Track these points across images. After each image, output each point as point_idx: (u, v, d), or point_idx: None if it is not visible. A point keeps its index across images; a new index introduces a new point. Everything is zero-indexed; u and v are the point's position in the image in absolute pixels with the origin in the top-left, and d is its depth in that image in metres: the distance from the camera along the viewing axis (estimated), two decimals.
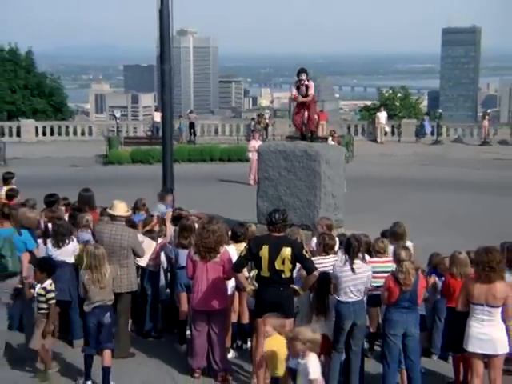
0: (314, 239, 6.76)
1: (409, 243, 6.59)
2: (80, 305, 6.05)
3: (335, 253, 6.16)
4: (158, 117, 21.80)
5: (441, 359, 6.24)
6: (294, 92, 10.16)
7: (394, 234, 6.60)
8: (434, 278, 6.25)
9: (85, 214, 7.08)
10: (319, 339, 4.39)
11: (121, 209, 6.22)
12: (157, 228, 7.20)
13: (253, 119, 26.26)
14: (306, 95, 9.96)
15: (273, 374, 4.81)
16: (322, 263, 5.76)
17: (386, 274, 5.75)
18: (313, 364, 4.27)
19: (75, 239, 6.51)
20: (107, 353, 5.49)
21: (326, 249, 6.03)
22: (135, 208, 8.10)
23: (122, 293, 6.10)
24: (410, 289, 5.24)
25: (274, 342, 4.72)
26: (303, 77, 9.91)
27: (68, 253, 6.33)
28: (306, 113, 10.07)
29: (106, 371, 5.45)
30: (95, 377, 5.58)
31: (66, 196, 8.34)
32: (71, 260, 6.37)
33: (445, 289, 5.95)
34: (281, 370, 4.68)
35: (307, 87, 9.95)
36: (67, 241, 6.33)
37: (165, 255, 6.90)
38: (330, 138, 17.16)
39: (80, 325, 6.18)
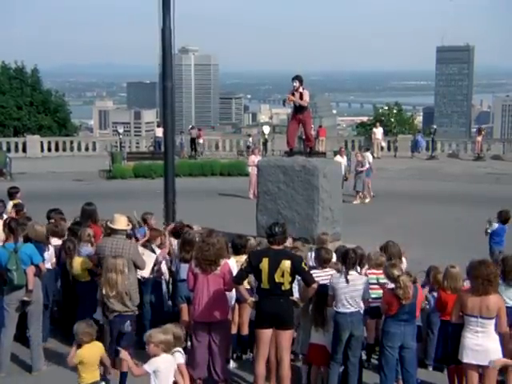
0: (310, 252, 6.89)
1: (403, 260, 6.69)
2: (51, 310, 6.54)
3: (332, 266, 6.26)
4: (159, 132, 22.01)
5: (436, 370, 6.30)
6: (289, 96, 9.85)
7: (389, 254, 6.53)
8: (426, 291, 6.28)
9: (86, 228, 7.18)
10: (171, 339, 4.48)
11: (121, 222, 6.30)
12: (158, 241, 7.31)
13: (249, 135, 26.69)
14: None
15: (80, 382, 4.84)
16: (319, 276, 5.84)
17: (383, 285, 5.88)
18: (163, 363, 4.38)
19: (51, 247, 6.89)
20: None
21: (320, 262, 6.13)
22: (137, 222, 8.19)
23: None
24: (409, 301, 5.31)
25: (89, 348, 4.80)
26: (296, 83, 9.67)
27: (45, 260, 6.70)
28: (303, 129, 10.12)
29: (123, 376, 5.67)
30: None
31: (71, 209, 8.39)
32: (48, 266, 6.76)
33: (437, 302, 6.01)
34: (89, 376, 4.75)
35: (301, 95, 9.74)
36: (44, 249, 6.73)
37: (166, 267, 7.00)
38: (338, 156, 17.06)
39: (48, 329, 6.80)
